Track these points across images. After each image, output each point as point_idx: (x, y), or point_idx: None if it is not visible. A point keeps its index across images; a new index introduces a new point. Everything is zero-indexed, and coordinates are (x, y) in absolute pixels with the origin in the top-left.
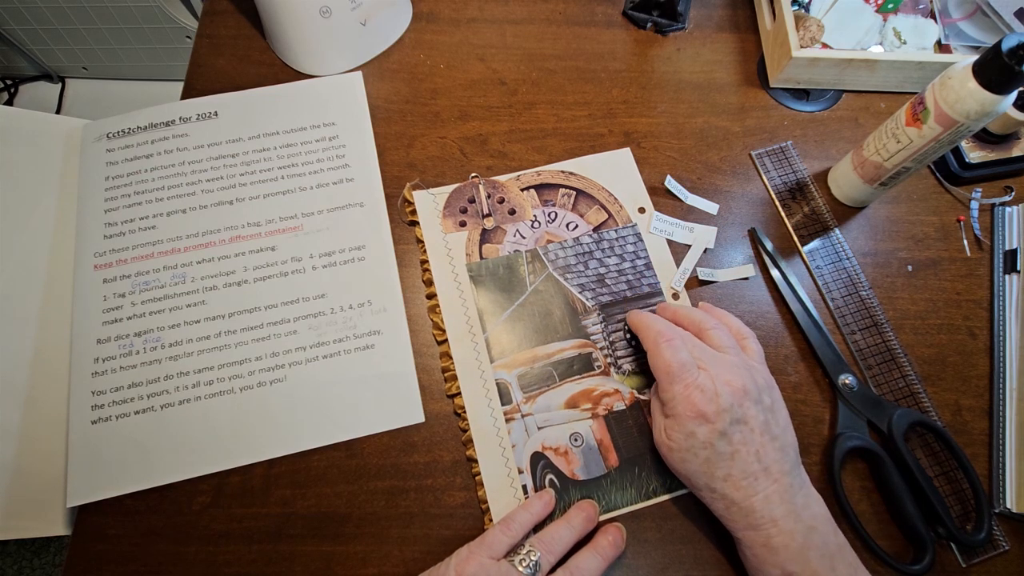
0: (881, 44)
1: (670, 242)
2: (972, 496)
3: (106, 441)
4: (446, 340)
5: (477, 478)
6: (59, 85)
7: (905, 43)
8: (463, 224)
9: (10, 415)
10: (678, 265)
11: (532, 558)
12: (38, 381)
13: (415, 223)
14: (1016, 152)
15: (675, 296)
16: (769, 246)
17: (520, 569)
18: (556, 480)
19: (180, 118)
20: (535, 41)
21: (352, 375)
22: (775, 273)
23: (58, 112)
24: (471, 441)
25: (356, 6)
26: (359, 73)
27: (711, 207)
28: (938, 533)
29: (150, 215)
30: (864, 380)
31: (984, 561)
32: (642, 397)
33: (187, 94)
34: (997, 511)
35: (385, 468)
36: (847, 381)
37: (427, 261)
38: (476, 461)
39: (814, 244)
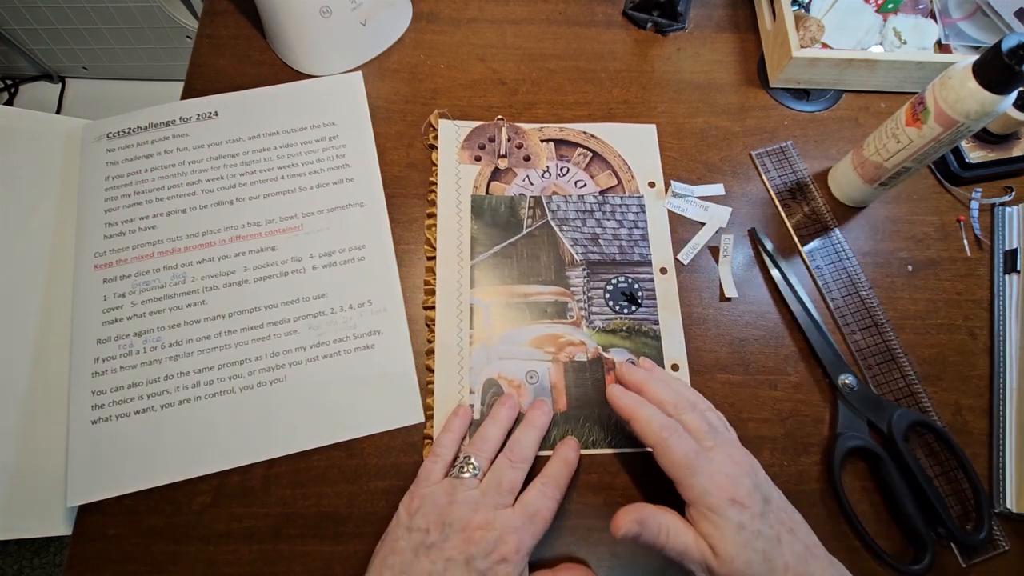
0: (881, 44)
1: (674, 221)
2: (972, 496)
3: (106, 441)
4: (434, 257)
5: (430, 386)
6: (59, 85)
7: (905, 43)
8: (478, 159)
9: (10, 415)
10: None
11: (471, 462)
12: (38, 381)
13: (433, 147)
14: (1016, 152)
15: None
16: (769, 246)
17: (464, 477)
18: None
19: (180, 118)
20: (535, 41)
21: (352, 375)
22: (775, 273)
23: (58, 112)
24: (433, 352)
25: (356, 6)
26: (359, 73)
27: (717, 189)
28: (938, 533)
29: (150, 215)
30: (864, 380)
31: (984, 561)
32: (606, 355)
33: (187, 94)
34: (997, 511)
35: (385, 468)
36: (847, 381)
37: (435, 184)
38: (433, 371)
39: (814, 244)
